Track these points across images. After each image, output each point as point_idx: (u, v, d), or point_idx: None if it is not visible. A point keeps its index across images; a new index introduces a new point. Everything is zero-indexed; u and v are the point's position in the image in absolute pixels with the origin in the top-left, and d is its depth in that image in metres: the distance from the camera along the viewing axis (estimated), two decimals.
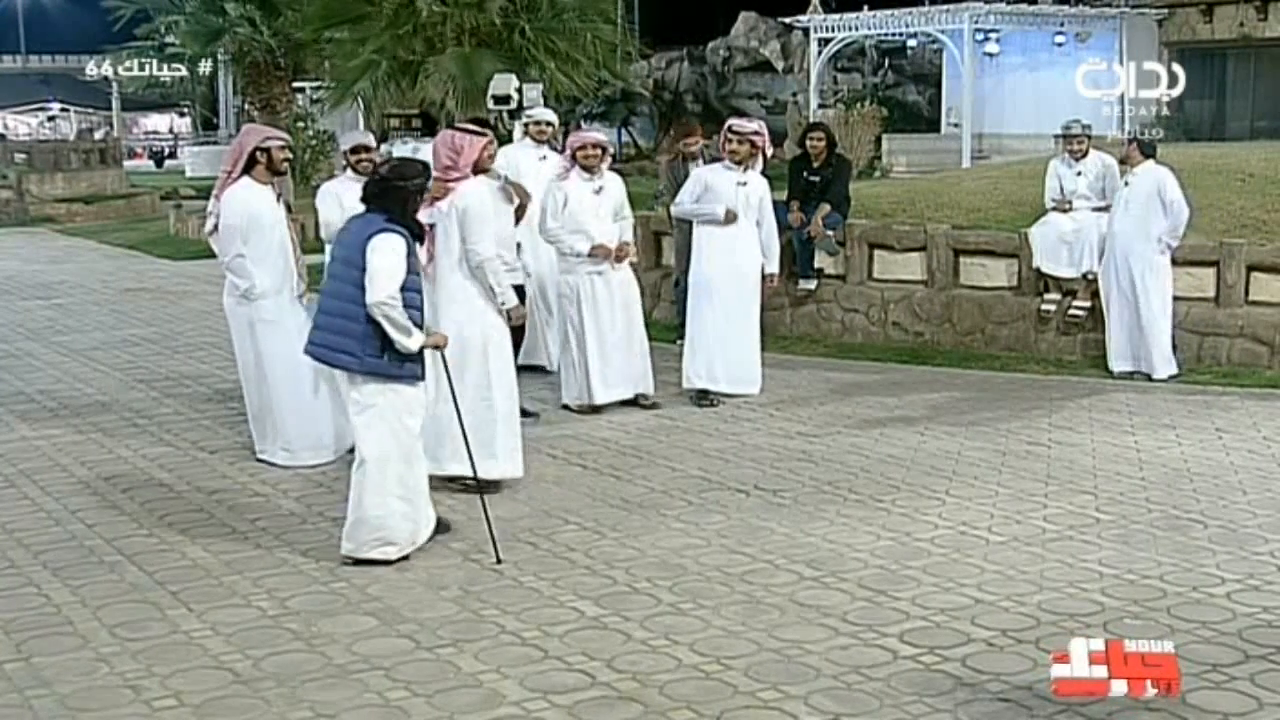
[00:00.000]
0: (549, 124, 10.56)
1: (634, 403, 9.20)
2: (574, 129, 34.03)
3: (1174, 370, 10.08)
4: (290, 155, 8.11)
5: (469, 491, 6.87)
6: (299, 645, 5.26)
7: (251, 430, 8.11)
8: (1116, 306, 10.20)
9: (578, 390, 9.10)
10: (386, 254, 5.98)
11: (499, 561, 6.13)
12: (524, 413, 8.99)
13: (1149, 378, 10.02)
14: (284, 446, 7.88)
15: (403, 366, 6.10)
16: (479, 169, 7.26)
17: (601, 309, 9.03)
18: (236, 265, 7.78)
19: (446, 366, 6.45)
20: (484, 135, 7.41)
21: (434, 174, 7.08)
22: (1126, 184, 10.16)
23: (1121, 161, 10.37)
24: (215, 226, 7.94)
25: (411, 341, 6.04)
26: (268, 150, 7.82)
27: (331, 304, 6.17)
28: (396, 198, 6.11)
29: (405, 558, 6.19)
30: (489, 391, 7.19)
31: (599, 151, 8.98)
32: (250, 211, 7.75)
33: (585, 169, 8.94)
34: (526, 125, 10.68)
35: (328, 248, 8.46)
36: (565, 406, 9.16)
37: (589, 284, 9.01)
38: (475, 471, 6.59)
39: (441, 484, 7.02)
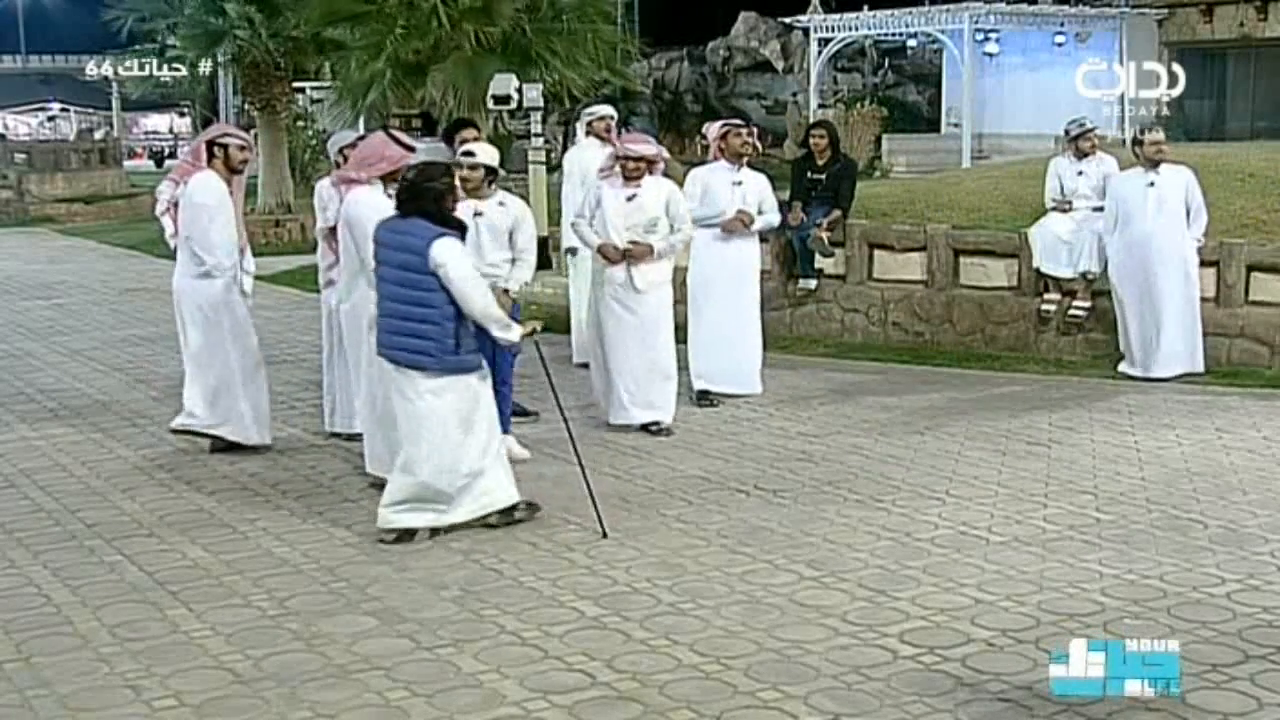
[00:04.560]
0: (611, 117, 10.42)
1: (644, 428, 8.73)
2: (575, 130, 33.97)
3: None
4: (248, 157, 8.12)
5: None
6: (299, 645, 5.26)
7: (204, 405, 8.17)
8: (1145, 310, 9.98)
9: (602, 408, 8.84)
10: (460, 263, 6.33)
11: (604, 535, 6.51)
12: (523, 411, 9.00)
13: (1150, 378, 9.97)
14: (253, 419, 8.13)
15: (472, 358, 6.48)
16: (394, 178, 7.21)
17: (626, 330, 8.66)
18: (202, 241, 7.86)
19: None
20: (410, 150, 7.38)
21: (344, 170, 7.42)
22: (1152, 184, 9.99)
23: (1155, 163, 10.01)
24: (168, 208, 8.15)
25: (513, 334, 6.53)
26: (225, 146, 7.93)
27: (398, 308, 6.40)
28: (429, 197, 6.39)
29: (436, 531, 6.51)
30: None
31: (641, 165, 8.62)
32: (218, 198, 7.86)
33: (625, 176, 8.67)
34: (590, 122, 10.56)
35: (320, 245, 8.49)
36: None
37: (612, 302, 8.68)
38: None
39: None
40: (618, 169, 8.74)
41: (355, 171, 7.29)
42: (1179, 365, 10.01)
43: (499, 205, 7.92)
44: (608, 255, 8.67)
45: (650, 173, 8.72)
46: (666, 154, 9.10)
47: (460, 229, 6.51)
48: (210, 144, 7.99)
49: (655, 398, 8.73)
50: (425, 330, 6.34)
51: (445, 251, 6.26)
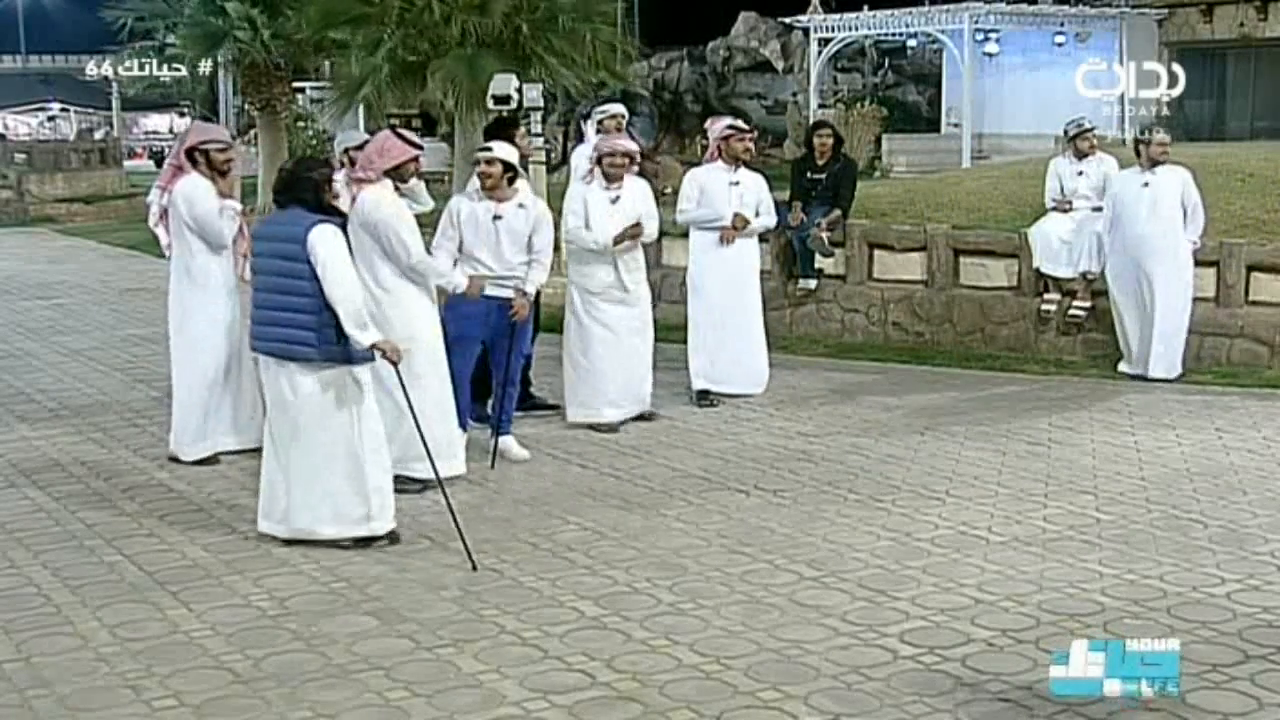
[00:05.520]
0: (622, 116, 10.42)
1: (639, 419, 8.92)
2: (574, 130, 34.00)
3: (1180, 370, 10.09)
4: (232, 156, 8.08)
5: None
6: (299, 645, 5.26)
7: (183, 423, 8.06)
8: (1140, 309, 9.99)
9: (583, 410, 8.77)
10: (332, 247, 6.15)
11: (474, 569, 6.09)
12: (545, 405, 9.04)
13: (1144, 378, 9.98)
14: (202, 437, 8.00)
15: (352, 351, 6.26)
16: (399, 177, 7.23)
17: (621, 332, 8.71)
18: (215, 225, 7.84)
19: (399, 371, 6.46)
20: (418, 149, 7.35)
21: (355, 171, 7.34)
22: (1146, 185, 9.98)
23: (1154, 163, 10.05)
24: (160, 216, 8.09)
25: (365, 336, 6.20)
26: (206, 152, 7.91)
27: (275, 299, 6.29)
28: (306, 187, 6.31)
29: (362, 541, 6.34)
30: (425, 390, 7.11)
31: (625, 161, 8.67)
32: (210, 203, 7.85)
33: (607, 177, 8.67)
34: (601, 120, 10.54)
35: None
36: (594, 427, 8.70)
37: (605, 305, 8.68)
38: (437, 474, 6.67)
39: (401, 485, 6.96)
40: (597, 172, 8.75)
41: (363, 170, 7.28)
42: (1173, 368, 10.02)
43: (519, 207, 7.91)
44: (627, 237, 8.62)
45: (628, 170, 8.78)
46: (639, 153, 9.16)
47: (340, 219, 6.39)
48: (190, 151, 7.93)
49: (644, 390, 8.94)
50: (304, 320, 6.18)
51: (321, 237, 6.14)
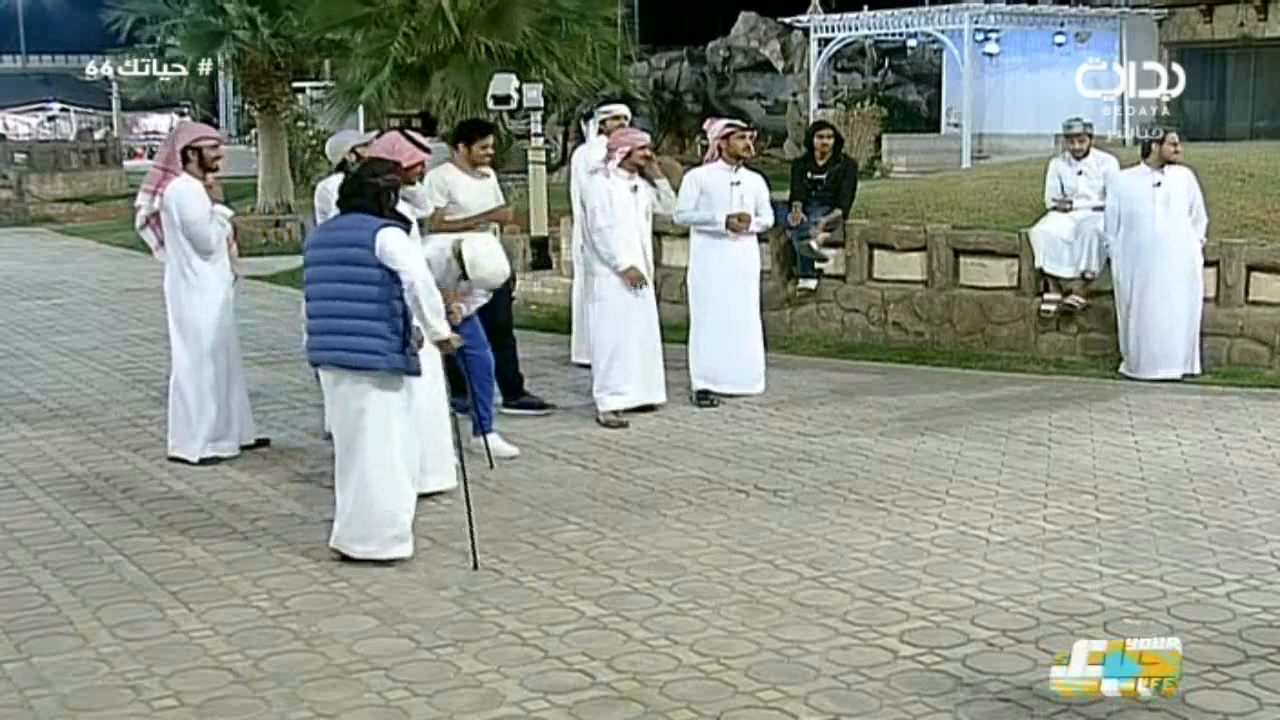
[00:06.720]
0: (625, 117, 10.44)
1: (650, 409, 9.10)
2: (574, 130, 33.97)
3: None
4: (222, 153, 8.07)
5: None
6: (299, 645, 5.27)
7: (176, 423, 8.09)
8: (1172, 307, 9.94)
9: (617, 397, 8.93)
10: (403, 244, 6.04)
11: (476, 568, 6.09)
12: (542, 404, 9.06)
13: (1155, 379, 9.95)
14: (208, 438, 8.00)
15: (414, 361, 6.16)
16: (404, 179, 7.22)
17: (645, 314, 9.01)
18: (204, 231, 7.82)
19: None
20: (425, 152, 7.31)
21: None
22: (1159, 184, 9.97)
23: (1167, 161, 10.06)
24: (147, 221, 8.07)
25: (441, 325, 6.14)
26: (199, 149, 7.88)
27: (339, 306, 6.11)
28: (371, 193, 6.19)
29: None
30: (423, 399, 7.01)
31: (651, 151, 9.10)
32: (201, 207, 7.83)
33: (636, 169, 8.94)
34: (603, 120, 10.55)
35: None
36: (607, 421, 8.84)
37: (621, 294, 8.92)
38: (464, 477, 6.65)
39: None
40: (615, 165, 8.92)
41: None
42: (1180, 367, 10.01)
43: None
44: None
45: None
46: None
47: (405, 224, 6.27)
48: (183, 150, 7.89)
49: (655, 380, 9.17)
50: (375, 328, 6.00)
51: (390, 236, 6.00)
